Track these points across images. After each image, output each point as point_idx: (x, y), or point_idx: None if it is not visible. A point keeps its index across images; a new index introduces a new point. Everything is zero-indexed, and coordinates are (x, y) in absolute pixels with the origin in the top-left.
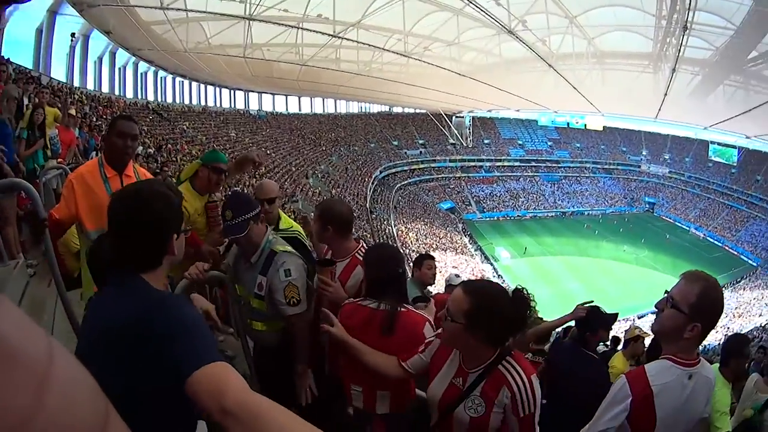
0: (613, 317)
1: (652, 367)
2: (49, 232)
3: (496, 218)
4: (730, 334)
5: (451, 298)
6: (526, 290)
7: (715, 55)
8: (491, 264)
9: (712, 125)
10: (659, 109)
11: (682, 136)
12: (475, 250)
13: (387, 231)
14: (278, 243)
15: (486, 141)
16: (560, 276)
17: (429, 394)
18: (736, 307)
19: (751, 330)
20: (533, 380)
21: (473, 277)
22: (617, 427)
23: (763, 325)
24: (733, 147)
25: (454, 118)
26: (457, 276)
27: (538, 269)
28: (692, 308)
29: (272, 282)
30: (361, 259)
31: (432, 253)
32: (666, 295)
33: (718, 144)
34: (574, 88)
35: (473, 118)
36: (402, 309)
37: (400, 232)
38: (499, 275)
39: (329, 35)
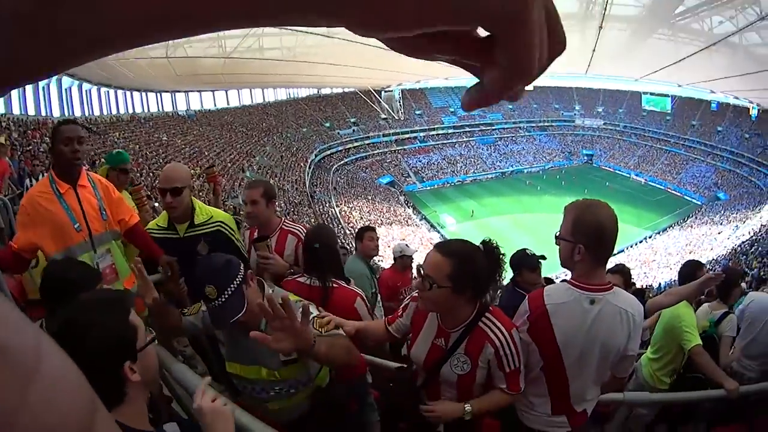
0: (536, 259)
1: (550, 288)
2: (13, 263)
3: (436, 186)
4: None
5: (428, 264)
6: (495, 241)
7: (642, 11)
8: (438, 231)
9: (643, 76)
10: (588, 65)
11: (614, 89)
12: (420, 220)
13: (330, 213)
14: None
15: (418, 112)
16: (510, 234)
17: (413, 355)
18: (686, 245)
19: (705, 263)
20: (514, 334)
21: (423, 248)
22: (527, 345)
23: (715, 258)
24: (666, 96)
25: (383, 93)
26: (407, 246)
27: (486, 230)
28: (571, 234)
29: None
30: (288, 230)
31: (378, 228)
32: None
33: (651, 94)
34: None
35: (402, 90)
36: (334, 285)
37: (343, 212)
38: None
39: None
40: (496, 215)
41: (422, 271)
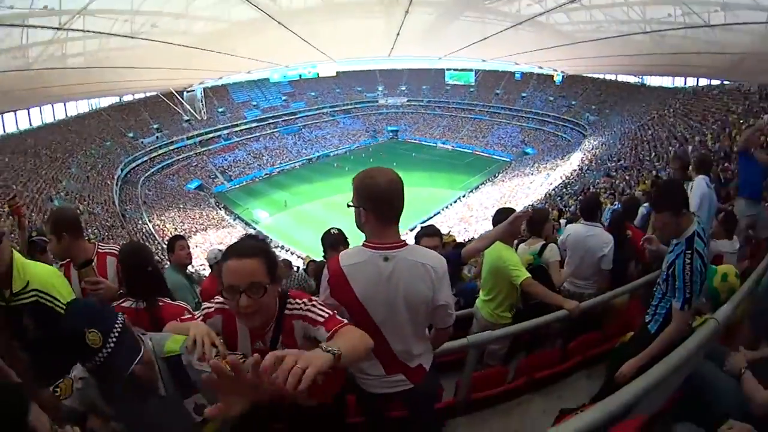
0: (334, 238)
1: (344, 251)
2: None
3: (245, 183)
4: None
5: (245, 274)
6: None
7: None
8: (254, 228)
9: (448, 54)
10: (392, 48)
11: (417, 69)
12: (234, 220)
13: (144, 230)
14: (160, 340)
15: (220, 109)
16: (324, 217)
17: None
18: (501, 197)
19: (522, 209)
20: (314, 299)
21: None
22: (336, 308)
23: (531, 203)
24: (470, 70)
25: (185, 93)
26: (220, 251)
27: (301, 218)
28: (356, 200)
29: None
30: (105, 252)
31: (194, 236)
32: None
33: (455, 70)
34: (305, 41)
35: (204, 89)
36: (161, 303)
37: (157, 226)
38: (265, 237)
39: (54, 28)
40: (309, 201)
41: (244, 286)
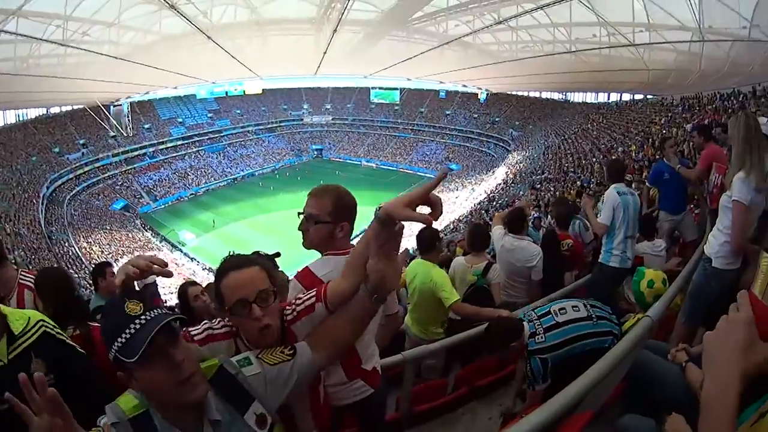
0: (272, 256)
1: (313, 264)
2: None
3: (171, 203)
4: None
5: (247, 284)
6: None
7: (379, 17)
8: (180, 250)
9: (373, 73)
10: (318, 66)
11: (343, 87)
12: (161, 242)
13: (71, 253)
14: None
15: (146, 126)
16: (251, 238)
17: None
18: (426, 213)
19: (448, 224)
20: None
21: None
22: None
23: (458, 218)
24: (395, 89)
25: (112, 107)
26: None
27: (228, 239)
28: (333, 215)
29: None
30: (25, 284)
31: (120, 260)
32: (302, 216)
33: (380, 88)
34: (233, 57)
35: (131, 104)
36: (93, 326)
37: (83, 249)
38: (192, 258)
39: None
40: (235, 222)
41: (252, 297)
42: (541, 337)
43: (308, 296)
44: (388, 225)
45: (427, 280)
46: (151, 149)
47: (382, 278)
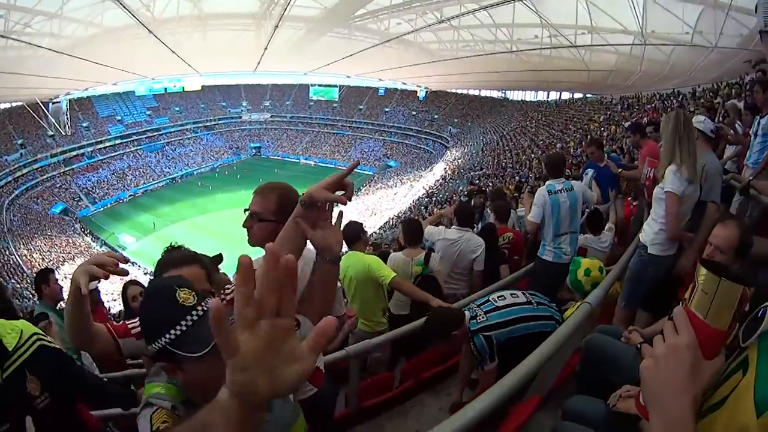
0: (216, 259)
1: (254, 261)
2: None
3: (110, 205)
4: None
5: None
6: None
7: (322, 13)
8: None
9: (313, 70)
10: (258, 63)
11: (282, 84)
12: (101, 247)
13: (12, 262)
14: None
15: (85, 124)
16: (191, 239)
17: None
18: (366, 209)
19: (387, 221)
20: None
21: (112, 278)
22: None
23: (397, 214)
24: (334, 86)
25: (50, 105)
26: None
27: (168, 241)
28: (277, 213)
29: None
30: None
31: (61, 267)
32: (247, 213)
33: (319, 85)
34: (173, 51)
35: (70, 101)
36: None
37: (24, 258)
38: (133, 263)
39: None
40: (174, 223)
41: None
42: (483, 317)
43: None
44: (311, 207)
45: (361, 267)
46: (89, 149)
47: (325, 240)
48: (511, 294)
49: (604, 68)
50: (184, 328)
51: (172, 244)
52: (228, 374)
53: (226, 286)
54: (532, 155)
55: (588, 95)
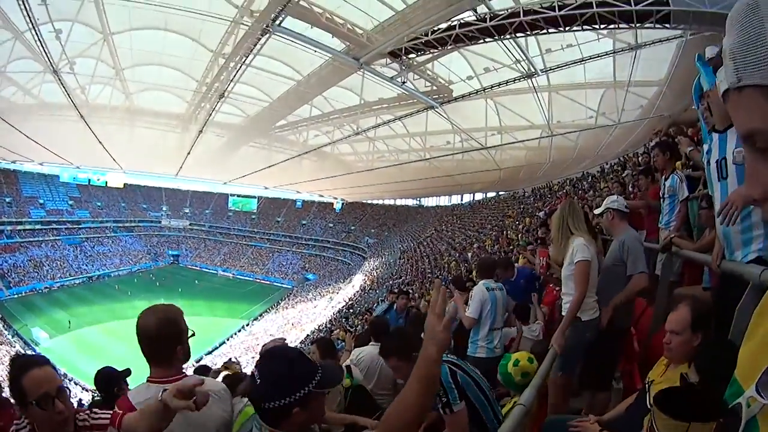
0: (123, 373)
1: (132, 391)
2: None
3: (24, 293)
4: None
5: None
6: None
7: (244, 121)
8: (33, 349)
9: (233, 180)
10: (180, 167)
11: (202, 191)
12: (13, 337)
13: None
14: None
15: (7, 200)
16: (104, 345)
17: None
18: (285, 323)
19: (309, 333)
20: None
21: None
22: None
23: (317, 327)
24: (253, 197)
25: None
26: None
27: (81, 344)
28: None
29: None
30: None
31: None
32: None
33: (238, 196)
34: (100, 142)
35: None
36: None
37: None
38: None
39: None
40: (89, 325)
41: (54, 392)
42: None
43: (105, 414)
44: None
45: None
46: (9, 228)
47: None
48: None
49: (515, 164)
50: (319, 377)
51: (18, 353)
52: (433, 340)
53: (95, 409)
54: (450, 258)
55: (501, 193)
